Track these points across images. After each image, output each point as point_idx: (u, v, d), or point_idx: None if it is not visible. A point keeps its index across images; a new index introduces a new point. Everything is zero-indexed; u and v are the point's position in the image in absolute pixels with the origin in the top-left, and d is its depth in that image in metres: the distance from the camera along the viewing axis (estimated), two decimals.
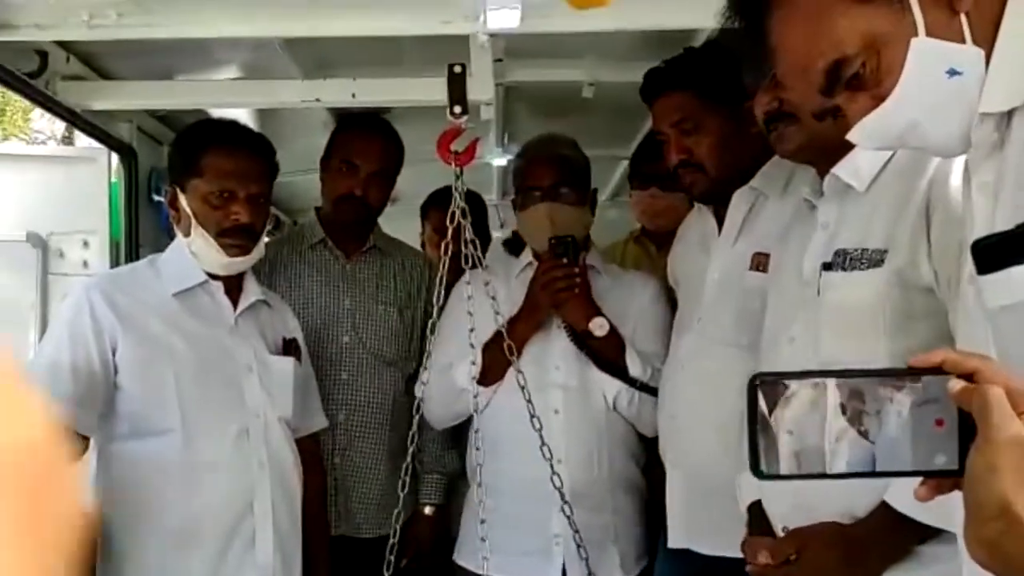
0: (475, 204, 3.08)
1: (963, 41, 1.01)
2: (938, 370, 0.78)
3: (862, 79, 1.04)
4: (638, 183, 2.67)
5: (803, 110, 1.31)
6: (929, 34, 1.01)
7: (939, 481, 0.80)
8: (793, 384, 0.80)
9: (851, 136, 1.09)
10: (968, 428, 0.76)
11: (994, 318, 1.01)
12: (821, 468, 0.80)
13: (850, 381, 0.80)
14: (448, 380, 2.27)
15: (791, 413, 0.80)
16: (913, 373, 0.79)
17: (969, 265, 1.05)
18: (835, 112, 1.09)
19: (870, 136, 1.08)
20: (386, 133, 2.55)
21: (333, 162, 2.52)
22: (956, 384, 0.77)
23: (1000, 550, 0.71)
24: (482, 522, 2.05)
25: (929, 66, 1.01)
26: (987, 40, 1.01)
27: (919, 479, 0.82)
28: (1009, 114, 1.01)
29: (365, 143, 2.50)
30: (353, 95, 2.28)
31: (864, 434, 0.79)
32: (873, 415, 0.79)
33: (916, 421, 0.78)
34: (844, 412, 0.79)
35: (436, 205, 3.14)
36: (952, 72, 1.01)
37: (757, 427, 0.80)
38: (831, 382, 0.80)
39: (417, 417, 2.14)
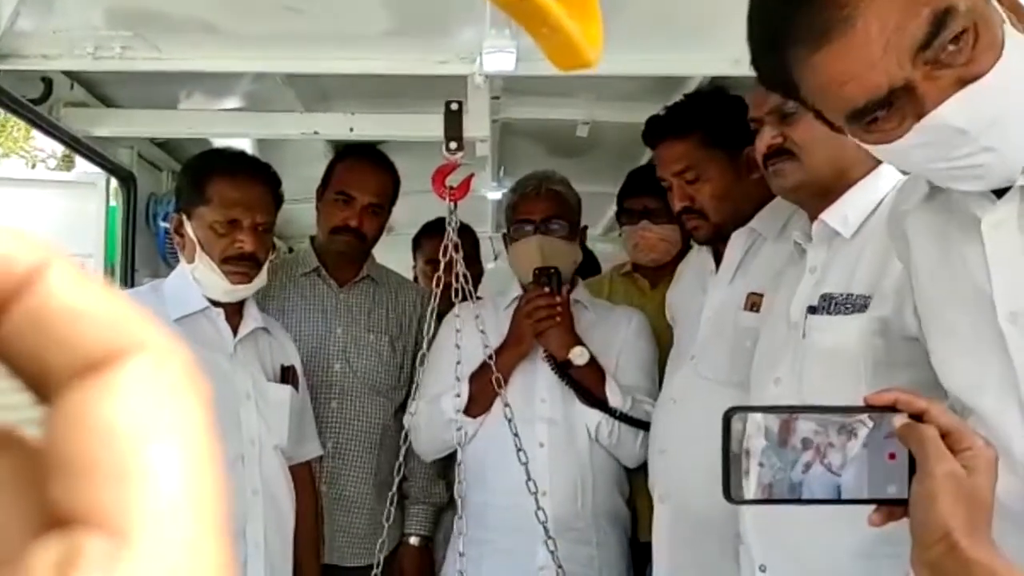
0: (467, 236, 3.12)
1: None
2: (892, 408, 0.86)
3: (958, 49, 0.94)
4: (627, 219, 2.69)
5: (844, 109, 1.06)
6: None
7: (891, 509, 0.87)
8: (763, 418, 0.88)
9: (929, 119, 0.97)
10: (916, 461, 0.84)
11: None
12: (789, 495, 0.87)
13: (815, 416, 0.88)
14: (436, 411, 2.27)
15: (761, 444, 0.87)
16: (870, 410, 0.87)
17: (1010, 305, 1.03)
18: (889, 104, 0.98)
19: (957, 113, 0.95)
20: (383, 165, 2.56)
21: (329, 193, 2.53)
22: (899, 421, 0.84)
23: (942, 571, 0.78)
24: (461, 555, 2.06)
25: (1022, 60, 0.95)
26: None
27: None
28: None
29: (362, 175, 2.52)
30: (351, 129, 2.32)
31: (828, 466, 0.87)
32: (837, 448, 0.87)
33: (872, 454, 0.86)
34: (810, 445, 0.87)
35: (428, 237, 3.14)
36: None
37: (730, 457, 0.87)
38: (798, 417, 0.88)
39: (405, 447, 2.15)
